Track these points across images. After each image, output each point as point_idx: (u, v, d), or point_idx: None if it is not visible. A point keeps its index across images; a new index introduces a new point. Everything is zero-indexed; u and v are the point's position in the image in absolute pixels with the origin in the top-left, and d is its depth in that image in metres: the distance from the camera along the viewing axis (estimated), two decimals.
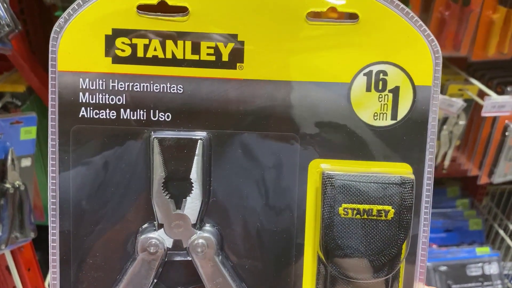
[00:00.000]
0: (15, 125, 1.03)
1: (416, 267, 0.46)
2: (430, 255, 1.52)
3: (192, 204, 0.45)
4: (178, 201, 0.45)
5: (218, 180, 0.45)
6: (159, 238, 0.45)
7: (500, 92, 1.29)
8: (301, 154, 0.45)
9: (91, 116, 0.43)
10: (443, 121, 1.33)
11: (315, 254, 0.46)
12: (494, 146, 1.36)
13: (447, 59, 1.39)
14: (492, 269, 1.45)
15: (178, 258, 0.46)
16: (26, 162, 1.06)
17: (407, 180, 0.44)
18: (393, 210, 0.43)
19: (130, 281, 0.45)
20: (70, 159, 0.44)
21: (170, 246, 0.45)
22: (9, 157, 1.01)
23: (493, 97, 1.19)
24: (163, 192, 0.44)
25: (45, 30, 1.23)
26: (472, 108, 1.34)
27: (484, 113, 1.19)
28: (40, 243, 1.25)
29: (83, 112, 0.43)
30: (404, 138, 0.45)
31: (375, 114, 0.45)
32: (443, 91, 1.29)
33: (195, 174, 0.44)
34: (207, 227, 0.46)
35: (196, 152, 0.44)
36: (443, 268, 1.45)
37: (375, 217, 0.43)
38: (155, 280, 0.46)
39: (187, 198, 0.44)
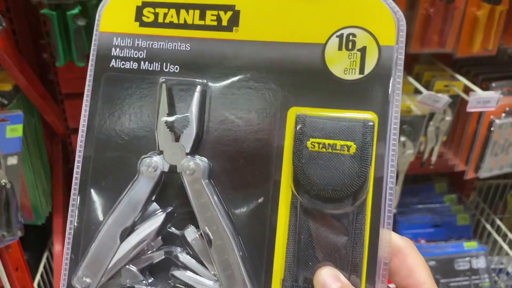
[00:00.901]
0: (1, 123, 1.06)
1: (382, 213, 0.50)
2: (418, 250, 1.55)
3: (187, 137, 0.53)
4: (177, 133, 0.54)
5: (213, 118, 0.54)
6: (158, 161, 0.53)
7: (485, 88, 1.31)
8: (282, 103, 0.53)
9: (119, 66, 0.56)
10: (430, 117, 1.35)
11: (290, 189, 0.52)
12: (480, 141, 1.39)
13: (433, 56, 1.43)
14: (480, 263, 1.47)
15: (172, 181, 0.54)
16: (12, 160, 1.09)
17: (369, 121, 0.50)
18: (355, 145, 0.50)
19: (131, 194, 0.53)
20: (100, 96, 0.56)
21: (166, 170, 0.53)
22: None
23: (478, 93, 1.22)
24: (165, 125, 0.53)
25: (31, 29, 1.26)
26: (458, 104, 1.37)
27: (470, 109, 1.23)
28: (29, 243, 1.27)
29: (113, 62, 0.56)
30: (370, 90, 0.52)
31: (345, 69, 0.52)
32: (429, 87, 1.32)
33: (192, 112, 0.53)
34: (198, 157, 0.53)
35: (195, 94, 0.54)
36: (432, 263, 1.47)
37: (338, 151, 0.50)
38: (152, 200, 0.54)
39: (184, 131, 0.53)
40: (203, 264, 0.52)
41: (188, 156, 0.53)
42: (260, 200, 0.53)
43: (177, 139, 0.54)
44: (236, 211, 0.53)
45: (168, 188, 0.54)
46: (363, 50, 0.52)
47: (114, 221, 0.53)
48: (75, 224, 0.55)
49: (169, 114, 0.54)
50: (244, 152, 0.53)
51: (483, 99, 1.22)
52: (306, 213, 0.51)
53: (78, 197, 0.56)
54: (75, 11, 1.08)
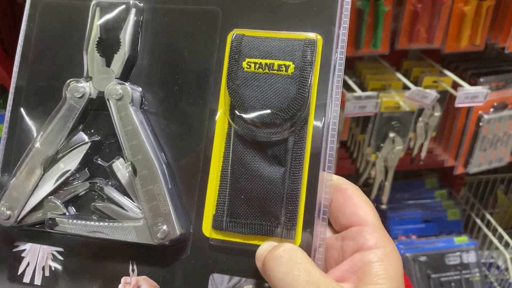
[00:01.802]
0: None
1: (322, 157, 0.45)
2: (409, 245, 1.49)
3: (118, 61, 0.49)
4: (108, 58, 0.50)
5: (146, 44, 0.50)
6: (85, 86, 0.49)
7: (473, 83, 1.29)
8: (222, 26, 0.49)
9: None
10: (419, 113, 1.33)
11: (226, 118, 0.48)
12: (469, 137, 1.36)
13: (422, 52, 1.41)
14: (470, 257, 1.45)
15: (100, 109, 0.50)
16: None
17: (310, 40, 0.45)
18: (293, 65, 0.45)
19: (55, 122, 0.49)
20: (35, 24, 0.54)
21: (94, 97, 0.49)
22: None
23: (466, 88, 1.20)
24: (96, 50, 0.49)
25: (17, 29, 1.22)
26: (447, 100, 1.35)
27: (458, 104, 1.21)
28: None
29: None
30: (315, 9, 0.47)
31: None
32: (418, 83, 1.30)
33: (124, 35, 0.49)
34: (127, 83, 0.49)
35: (128, 17, 0.50)
36: (423, 258, 1.44)
37: (275, 72, 0.45)
38: (78, 129, 0.50)
39: (115, 55, 0.49)
40: (129, 198, 0.48)
41: (116, 80, 0.49)
42: (195, 131, 0.48)
43: (108, 64, 0.49)
44: (169, 142, 0.49)
45: (97, 117, 0.50)
46: None
47: (36, 149, 0.49)
48: (2, 157, 0.52)
49: (101, 38, 0.50)
50: (180, 79, 0.49)
51: (471, 94, 1.19)
52: (240, 141, 0.46)
53: (8, 127, 0.52)
54: None
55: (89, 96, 0.49)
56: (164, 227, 0.46)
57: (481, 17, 1.21)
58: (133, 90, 0.48)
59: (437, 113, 1.34)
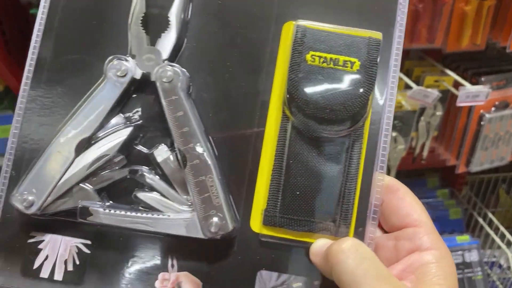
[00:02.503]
0: None
1: (377, 160, 0.46)
2: None
3: (166, 41, 0.45)
4: (153, 37, 0.45)
5: (195, 26, 0.47)
6: (129, 65, 0.45)
7: (475, 83, 1.30)
8: (278, 15, 0.47)
9: None
10: (420, 112, 1.34)
11: (279, 111, 0.46)
12: (470, 136, 1.37)
13: (423, 51, 1.42)
14: (472, 256, 1.46)
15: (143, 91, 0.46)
16: (2, 162, 1.02)
17: (375, 39, 0.45)
18: (359, 62, 0.44)
19: (93, 101, 0.44)
20: None
21: (138, 77, 0.45)
22: None
23: (468, 87, 1.21)
24: (140, 25, 0.45)
25: (21, 29, 1.22)
26: (448, 99, 1.35)
27: (459, 103, 1.22)
28: None
29: None
30: (376, 8, 0.47)
31: None
32: (419, 83, 1.31)
33: (173, 14, 0.45)
34: (177, 65, 0.45)
35: None
36: None
37: (340, 67, 0.44)
38: (117, 111, 0.46)
39: (162, 34, 0.45)
40: (173, 188, 0.45)
41: (165, 63, 0.45)
42: (244, 121, 0.46)
43: (152, 43, 0.46)
44: (216, 132, 0.46)
45: (138, 99, 0.46)
46: None
47: (70, 129, 0.44)
48: (17, 135, 0.46)
49: (146, 14, 0.46)
50: (231, 66, 0.47)
51: (472, 93, 1.20)
52: (297, 136, 0.45)
53: (25, 103, 0.46)
54: None
55: (132, 76, 0.45)
56: (217, 220, 0.43)
57: (482, 17, 1.22)
58: (183, 72, 0.45)
59: (439, 113, 1.35)
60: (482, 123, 1.35)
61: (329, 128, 0.44)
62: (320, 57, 0.44)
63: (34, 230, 0.45)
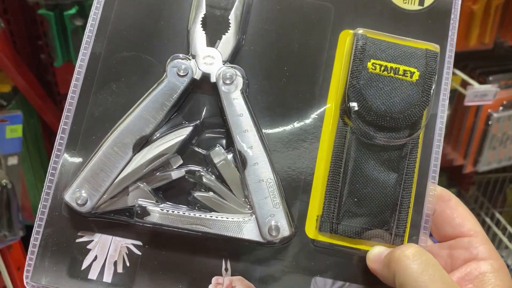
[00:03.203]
0: (0, 124, 1.04)
1: (430, 170, 0.46)
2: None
3: (226, 43, 0.45)
4: (214, 38, 0.45)
5: (254, 30, 0.47)
6: (189, 65, 0.44)
7: (482, 82, 1.30)
8: (334, 23, 0.48)
9: None
10: None
11: (336, 116, 0.46)
12: (478, 135, 1.37)
13: None
14: None
15: (201, 92, 0.46)
16: (13, 161, 1.07)
17: (432, 51, 0.46)
18: (418, 72, 0.45)
19: (153, 99, 0.44)
20: None
21: (198, 78, 0.44)
22: None
23: (475, 87, 1.21)
24: (201, 26, 0.45)
25: (29, 30, 1.22)
26: (456, 98, 1.35)
27: (467, 102, 1.21)
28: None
29: None
30: (429, 22, 0.48)
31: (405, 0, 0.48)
32: None
33: (233, 16, 0.46)
34: (236, 66, 0.45)
35: None
36: None
37: (401, 77, 0.45)
38: (176, 111, 0.45)
39: (222, 36, 0.45)
40: (230, 190, 0.44)
41: (226, 64, 0.45)
42: (299, 126, 0.46)
43: (212, 44, 0.46)
44: (270, 135, 0.46)
45: (196, 99, 0.46)
46: None
47: (128, 127, 0.43)
48: (69, 131, 0.45)
49: (206, 15, 0.46)
50: (287, 71, 0.47)
51: (480, 93, 1.21)
52: (356, 142, 0.45)
53: (77, 98, 0.45)
54: (72, 11, 1.05)
55: (192, 75, 0.45)
56: (276, 224, 0.43)
57: (490, 16, 1.22)
58: (243, 74, 0.45)
59: (446, 112, 1.36)
60: (489, 122, 1.34)
61: (389, 135, 0.45)
62: (381, 65, 0.45)
63: (83, 229, 0.44)
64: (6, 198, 1.04)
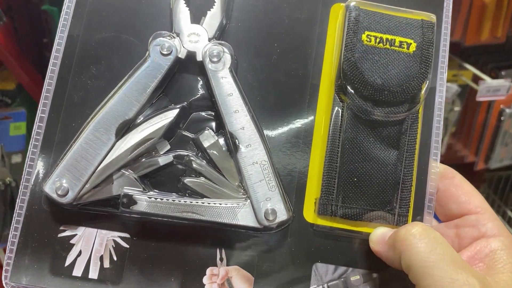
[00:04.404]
0: (4, 121, 1.03)
1: (431, 146, 0.44)
2: None
3: (212, 19, 0.43)
4: (198, 15, 0.43)
5: (240, 5, 0.45)
6: (173, 43, 0.41)
7: (495, 77, 1.26)
8: None
9: None
10: None
11: (331, 94, 0.44)
12: (490, 131, 1.33)
13: None
14: None
15: (187, 72, 0.43)
16: (17, 159, 1.06)
17: (429, 21, 0.44)
18: (415, 43, 0.43)
19: (135, 81, 0.41)
20: None
21: (183, 57, 0.41)
22: None
23: (488, 81, 1.17)
24: (184, 3, 0.42)
25: (33, 27, 1.20)
26: (467, 94, 1.32)
27: (479, 98, 1.18)
28: None
29: None
30: None
31: None
32: None
33: None
34: (223, 42, 0.42)
35: None
36: None
37: (397, 48, 0.43)
38: (160, 92, 0.42)
39: (207, 12, 0.43)
40: (221, 174, 0.42)
41: (212, 41, 0.42)
42: (293, 105, 0.44)
43: (197, 20, 0.43)
44: (264, 117, 0.43)
45: (181, 79, 0.43)
46: None
47: (110, 110, 0.40)
48: (47, 118, 0.42)
49: None
50: (278, 47, 0.44)
51: (493, 87, 1.17)
52: (353, 119, 0.43)
53: (55, 84, 0.42)
54: None
55: (177, 54, 0.42)
56: (273, 208, 0.40)
57: (503, 9, 1.19)
58: (231, 52, 0.43)
59: (457, 108, 1.32)
60: (502, 118, 1.32)
61: (387, 110, 0.42)
62: (376, 37, 0.43)
63: (65, 223, 0.41)
64: (10, 197, 1.02)
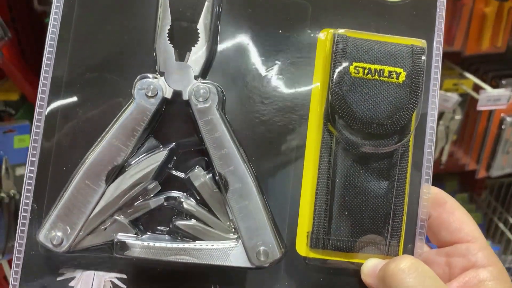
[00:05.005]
0: (8, 134, 1.04)
1: (422, 172, 0.44)
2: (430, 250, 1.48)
3: (196, 56, 0.42)
4: (182, 51, 0.42)
5: (226, 37, 0.44)
6: (158, 84, 0.41)
7: (495, 86, 1.28)
8: (312, 22, 0.44)
9: None
10: (439, 116, 1.30)
11: (320, 126, 0.43)
12: (491, 140, 1.34)
13: (442, 54, 1.39)
14: None
15: (174, 111, 0.43)
16: (21, 171, 1.06)
17: (419, 47, 0.43)
18: (404, 72, 0.42)
19: (122, 125, 0.41)
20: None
21: (169, 97, 0.41)
22: (3, 166, 1.02)
23: (488, 91, 1.18)
24: (167, 40, 0.41)
25: (36, 38, 1.20)
26: (468, 102, 1.33)
27: (480, 107, 1.19)
28: None
29: None
30: (414, 14, 0.44)
31: None
32: None
33: (202, 26, 0.42)
34: (210, 81, 0.42)
35: (206, 2, 0.42)
36: None
37: (386, 79, 0.42)
38: (148, 134, 0.42)
39: (192, 48, 0.42)
40: (213, 214, 0.42)
41: (198, 80, 0.42)
42: (282, 137, 0.43)
43: (182, 57, 0.42)
44: (253, 150, 0.43)
45: (169, 119, 0.43)
46: None
47: (98, 157, 0.41)
48: (37, 164, 0.42)
49: (173, 27, 0.42)
50: (265, 80, 0.44)
51: (493, 97, 1.18)
52: (343, 152, 0.42)
53: (43, 128, 0.42)
54: None
55: (163, 95, 0.41)
56: (264, 248, 0.41)
57: (503, 19, 1.20)
58: (217, 89, 0.42)
59: (458, 116, 1.32)
60: (503, 126, 1.32)
61: (376, 142, 0.42)
62: (364, 68, 0.42)
63: (63, 266, 0.42)
64: (14, 209, 1.04)
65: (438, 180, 1.66)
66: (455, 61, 1.36)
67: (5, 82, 1.15)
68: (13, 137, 1.04)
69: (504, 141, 1.35)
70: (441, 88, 1.29)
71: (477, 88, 1.25)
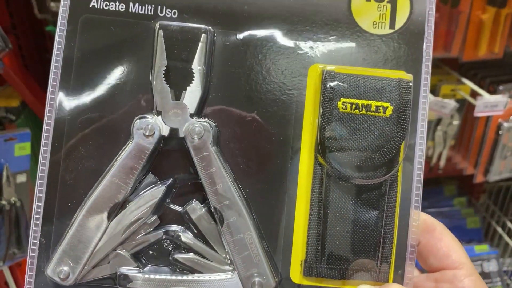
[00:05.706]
0: (9, 142, 1.06)
1: (412, 200, 0.45)
2: None
3: (192, 94, 0.44)
4: (178, 90, 0.44)
5: (219, 75, 0.45)
6: (156, 123, 0.43)
7: (492, 91, 1.29)
8: (302, 59, 0.46)
9: (101, 7, 0.45)
10: (437, 121, 1.33)
11: (312, 158, 0.45)
12: (488, 145, 1.36)
13: (439, 60, 1.40)
14: (491, 266, 1.43)
15: (172, 147, 0.45)
16: (22, 178, 1.09)
17: (405, 80, 0.44)
18: (391, 107, 0.44)
19: (122, 164, 0.43)
20: (76, 44, 0.45)
21: (166, 134, 0.43)
22: (4, 174, 1.04)
23: (485, 97, 1.19)
24: (164, 80, 0.43)
25: (37, 44, 1.23)
26: (466, 108, 1.34)
27: (477, 113, 1.20)
28: None
29: (93, 2, 0.45)
30: (402, 47, 0.46)
31: (374, 23, 0.46)
32: (435, 92, 1.29)
33: (197, 65, 0.43)
34: (205, 119, 0.44)
35: (200, 43, 0.44)
36: None
37: (373, 113, 0.44)
38: (147, 170, 0.44)
39: (187, 88, 0.44)
40: (210, 246, 0.44)
41: (194, 118, 0.44)
42: (276, 171, 0.45)
43: (177, 97, 0.44)
44: (247, 183, 0.45)
45: (167, 155, 0.45)
46: (393, 2, 0.46)
47: (100, 195, 0.43)
48: (44, 200, 0.44)
49: (168, 67, 0.44)
50: (258, 114, 0.45)
51: (490, 103, 1.19)
52: (333, 184, 0.44)
53: (48, 168, 0.45)
54: None
55: (160, 134, 0.43)
56: (259, 279, 0.43)
57: (500, 25, 1.21)
58: (212, 126, 0.44)
59: (456, 122, 1.34)
60: (500, 132, 1.33)
61: (365, 175, 0.44)
62: (351, 103, 0.43)
63: None
64: (15, 216, 1.06)
65: (436, 183, 1.68)
66: (453, 67, 1.36)
67: (6, 88, 1.17)
68: (14, 145, 1.06)
69: (501, 147, 1.35)
70: (439, 94, 1.29)
71: (474, 94, 1.25)
